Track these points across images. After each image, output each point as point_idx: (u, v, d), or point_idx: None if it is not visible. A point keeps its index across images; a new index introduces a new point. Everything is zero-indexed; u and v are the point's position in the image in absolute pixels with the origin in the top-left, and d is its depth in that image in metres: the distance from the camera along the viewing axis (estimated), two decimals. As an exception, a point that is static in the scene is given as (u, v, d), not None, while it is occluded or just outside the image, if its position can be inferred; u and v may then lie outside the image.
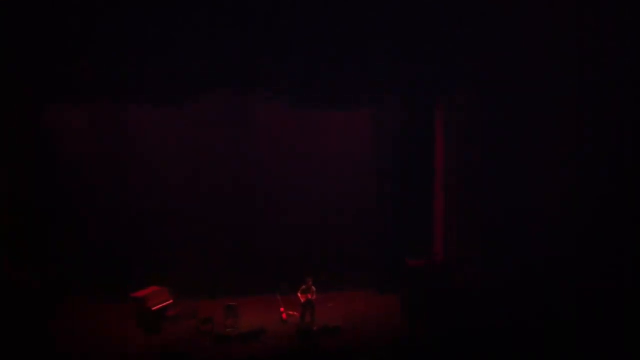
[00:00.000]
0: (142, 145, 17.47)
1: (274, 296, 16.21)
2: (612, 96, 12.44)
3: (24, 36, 14.02)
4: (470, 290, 15.70)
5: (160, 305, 15.40)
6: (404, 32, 15.07)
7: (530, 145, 15.17)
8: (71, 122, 17.03)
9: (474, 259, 16.21)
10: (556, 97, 14.01)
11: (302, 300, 15.41)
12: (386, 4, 14.72)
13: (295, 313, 15.84)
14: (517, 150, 15.51)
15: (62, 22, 14.02)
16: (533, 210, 15.02)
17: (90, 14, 14.01)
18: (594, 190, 13.05)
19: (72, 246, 17.19)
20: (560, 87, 13.82)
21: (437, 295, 15.73)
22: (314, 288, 15.48)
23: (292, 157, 18.16)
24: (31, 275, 15.54)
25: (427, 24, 14.99)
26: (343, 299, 17.01)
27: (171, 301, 15.78)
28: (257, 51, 15.00)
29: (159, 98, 15.79)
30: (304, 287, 15.49)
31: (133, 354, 13.96)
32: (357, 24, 14.80)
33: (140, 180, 17.60)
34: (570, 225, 13.72)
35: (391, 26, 14.95)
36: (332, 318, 15.53)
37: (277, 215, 18.30)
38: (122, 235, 17.52)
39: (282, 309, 15.91)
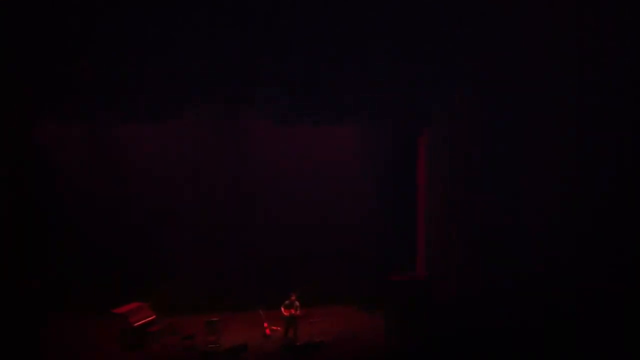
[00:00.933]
0: (136, 157, 17.52)
1: (258, 311, 16.11)
2: (612, 96, 12.37)
3: (19, 46, 14.01)
4: (455, 302, 15.65)
5: (143, 322, 15.27)
6: (402, 33, 15.04)
7: (529, 146, 15.04)
8: (66, 133, 16.99)
9: (466, 268, 16.13)
10: (556, 98, 13.91)
11: (286, 315, 15.32)
12: (385, 5, 14.70)
13: (278, 328, 15.76)
14: (515, 151, 15.39)
15: (59, 29, 14.06)
16: (531, 212, 14.84)
17: (88, 21, 14.06)
18: (594, 190, 12.93)
19: (57, 259, 17.11)
20: (560, 87, 13.72)
21: (421, 310, 15.67)
22: (297, 303, 15.39)
23: (281, 171, 18.31)
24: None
25: (426, 24, 14.94)
26: (327, 315, 16.88)
27: (154, 317, 15.65)
28: (253, 64, 15.09)
29: (156, 107, 15.76)
30: (287, 302, 15.42)
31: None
32: (352, 26, 14.78)
33: (133, 191, 17.65)
34: (570, 226, 13.53)
35: (389, 28, 14.94)
36: (316, 334, 15.38)
37: (263, 227, 18.42)
38: (106, 250, 17.41)
39: (265, 324, 15.81)
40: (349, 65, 15.30)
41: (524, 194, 15.17)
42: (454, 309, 15.39)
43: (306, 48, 14.96)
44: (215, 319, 15.26)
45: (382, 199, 18.71)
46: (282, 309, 15.37)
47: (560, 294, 13.31)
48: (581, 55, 13.07)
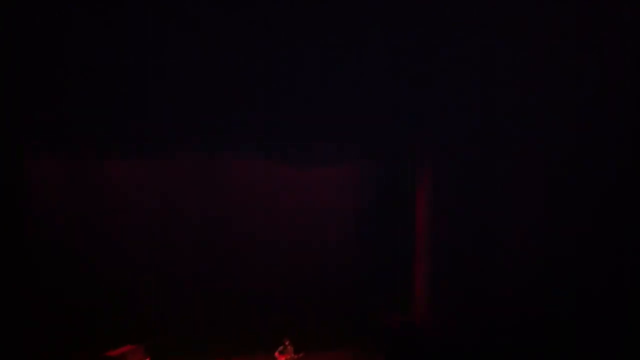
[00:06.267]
0: (117, 199, 17.09)
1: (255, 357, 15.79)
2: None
3: (9, 81, 14.08)
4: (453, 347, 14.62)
5: None
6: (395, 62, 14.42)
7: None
8: (54, 169, 16.77)
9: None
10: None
11: None
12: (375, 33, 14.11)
13: None
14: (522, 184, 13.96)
15: (49, 65, 14.10)
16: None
17: (79, 60, 14.14)
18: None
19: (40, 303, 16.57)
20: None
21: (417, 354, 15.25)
22: (291, 348, 14.90)
23: (269, 211, 17.78)
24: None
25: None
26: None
27: None
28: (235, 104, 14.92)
29: (134, 152, 15.97)
30: (281, 347, 14.95)
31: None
32: (340, 55, 14.32)
33: (116, 234, 17.19)
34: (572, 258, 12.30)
35: (383, 56, 14.37)
36: None
37: (254, 270, 17.74)
38: (96, 292, 16.93)
39: None
40: (341, 96, 14.86)
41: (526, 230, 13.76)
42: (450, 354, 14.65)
43: (283, 100, 14.83)
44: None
45: (377, 238, 17.99)
46: (277, 354, 14.93)
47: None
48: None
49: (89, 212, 16.92)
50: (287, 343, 14.88)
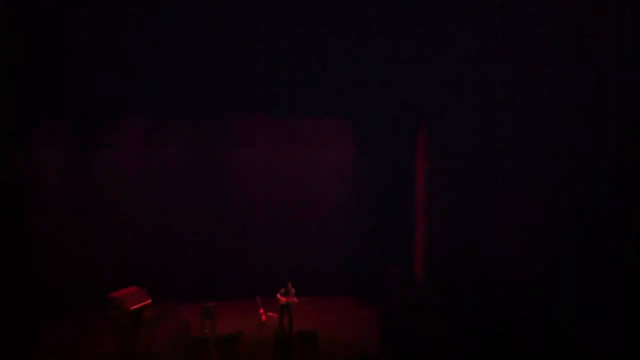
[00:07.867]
0: (115, 187, 17.83)
1: (254, 298, 16.09)
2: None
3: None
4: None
5: (139, 305, 15.13)
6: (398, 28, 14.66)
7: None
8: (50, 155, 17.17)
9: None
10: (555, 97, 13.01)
11: (282, 302, 15.33)
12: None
13: (274, 315, 15.73)
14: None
15: (45, 53, 14.25)
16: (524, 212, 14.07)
17: (76, 46, 14.25)
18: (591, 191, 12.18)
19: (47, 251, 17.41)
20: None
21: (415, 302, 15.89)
22: (293, 290, 15.40)
23: (278, 170, 18.82)
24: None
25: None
26: (321, 305, 16.62)
27: (150, 301, 15.50)
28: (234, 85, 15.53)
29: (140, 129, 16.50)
30: (283, 290, 15.42)
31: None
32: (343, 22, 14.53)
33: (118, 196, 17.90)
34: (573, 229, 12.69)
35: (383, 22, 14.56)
36: (310, 323, 15.31)
37: (260, 224, 18.82)
38: (99, 238, 17.88)
39: (261, 311, 15.82)
40: (342, 65, 15.41)
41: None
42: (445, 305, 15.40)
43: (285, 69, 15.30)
44: (211, 304, 15.20)
45: (380, 196, 19.14)
46: (279, 296, 15.37)
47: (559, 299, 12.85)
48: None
49: (88, 201, 17.61)
50: (290, 285, 15.39)
